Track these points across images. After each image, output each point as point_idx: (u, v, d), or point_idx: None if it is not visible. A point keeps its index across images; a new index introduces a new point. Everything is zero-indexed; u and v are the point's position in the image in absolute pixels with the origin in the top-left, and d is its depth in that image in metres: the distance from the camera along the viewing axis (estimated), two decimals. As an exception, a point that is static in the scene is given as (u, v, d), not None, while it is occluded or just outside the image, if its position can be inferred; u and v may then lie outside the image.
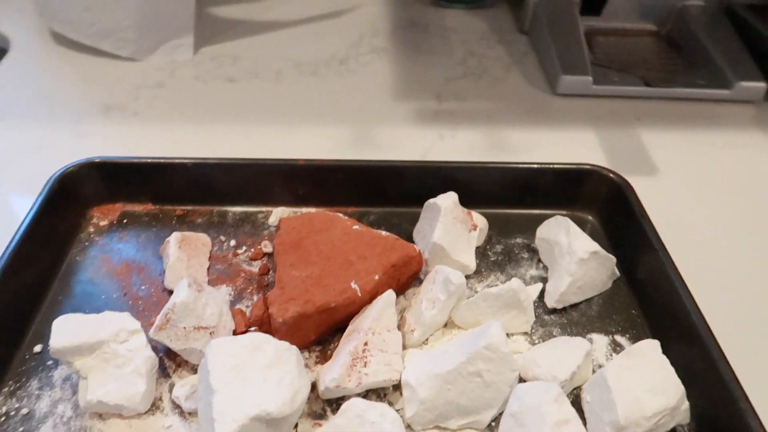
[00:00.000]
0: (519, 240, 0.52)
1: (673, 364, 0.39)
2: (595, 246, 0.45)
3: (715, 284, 0.49)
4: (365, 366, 0.38)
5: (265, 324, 0.42)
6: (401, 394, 0.39)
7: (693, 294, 0.43)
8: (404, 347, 0.42)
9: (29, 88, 0.68)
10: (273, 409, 0.33)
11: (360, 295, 0.41)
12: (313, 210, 0.53)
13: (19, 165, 0.57)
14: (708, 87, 0.70)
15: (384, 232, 0.46)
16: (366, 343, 0.39)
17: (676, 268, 0.45)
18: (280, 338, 0.37)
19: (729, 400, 0.37)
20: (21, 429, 0.37)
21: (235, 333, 0.42)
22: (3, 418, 0.38)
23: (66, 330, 0.38)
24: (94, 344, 0.38)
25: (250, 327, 0.42)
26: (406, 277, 0.45)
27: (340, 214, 0.48)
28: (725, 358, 0.39)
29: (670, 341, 0.42)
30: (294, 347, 0.37)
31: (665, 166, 0.61)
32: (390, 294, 0.41)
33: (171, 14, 0.71)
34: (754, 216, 0.56)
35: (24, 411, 0.38)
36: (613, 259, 0.47)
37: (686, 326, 0.42)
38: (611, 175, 0.52)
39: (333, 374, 0.37)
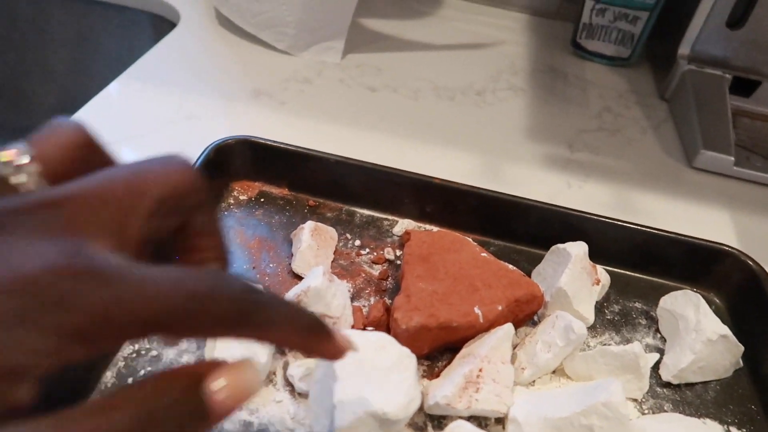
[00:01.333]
0: (638, 305, 0.51)
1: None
2: (725, 330, 0.44)
3: None
4: (477, 392, 0.38)
5: (381, 326, 0.43)
6: (503, 427, 0.39)
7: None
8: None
9: (190, 62, 0.73)
10: (390, 410, 0.34)
11: (482, 321, 0.42)
12: (436, 228, 0.54)
13: (172, 130, 0.61)
14: None
15: (510, 266, 0.46)
16: (481, 370, 0.39)
17: (810, 373, 0.42)
18: (406, 343, 0.38)
19: None
20: (148, 368, 0.40)
21: (352, 328, 0.43)
22: (134, 355, 0.40)
23: None
24: None
25: (366, 327, 0.43)
26: (524, 315, 0.45)
27: (470, 239, 0.49)
28: None
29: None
30: (414, 356, 0.38)
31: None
32: (510, 327, 0.42)
33: (330, 17, 0.75)
34: None
35: (153, 353, 0.41)
36: (741, 347, 0.45)
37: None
38: (749, 261, 0.50)
39: (445, 391, 0.38)
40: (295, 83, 0.72)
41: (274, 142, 0.55)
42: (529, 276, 0.50)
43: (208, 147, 0.53)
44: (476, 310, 0.42)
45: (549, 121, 0.73)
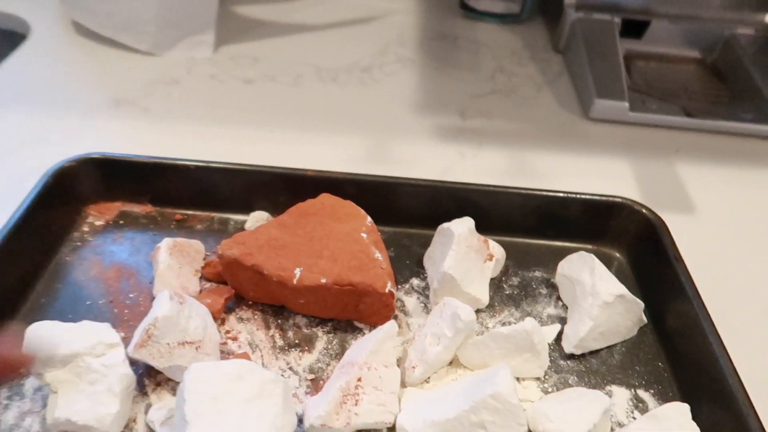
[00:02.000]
0: (538, 274, 0.48)
1: (700, 426, 0.35)
2: (621, 289, 0.41)
3: (754, 340, 0.44)
4: (356, 404, 0.34)
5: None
6: None
7: (728, 350, 0.38)
8: (403, 385, 0.38)
9: (42, 77, 0.66)
10: None
11: (295, 282, 0.40)
12: (319, 224, 0.49)
13: (20, 155, 0.55)
14: (754, 122, 0.65)
15: (380, 256, 0.42)
16: (359, 379, 0.35)
17: (711, 320, 0.40)
18: (224, 273, 0.41)
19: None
20: (-16, 438, 0.34)
21: (213, 311, 0.40)
22: (-33, 426, 0.35)
23: (40, 337, 0.35)
24: (68, 356, 0.35)
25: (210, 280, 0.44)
26: (365, 307, 0.41)
27: (369, 219, 0.45)
28: (763, 429, 0.34)
29: (699, 401, 0.38)
30: (281, 378, 0.33)
31: (703, 204, 0.56)
32: (390, 326, 0.38)
33: (193, 10, 0.69)
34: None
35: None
36: (641, 304, 0.42)
37: (718, 387, 0.37)
38: (644, 211, 0.48)
39: (319, 411, 0.34)
40: (160, 86, 0.66)
41: (127, 156, 0.49)
42: (420, 262, 0.47)
43: (46, 173, 0.47)
44: (297, 271, 0.40)
45: (439, 90, 0.70)
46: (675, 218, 0.52)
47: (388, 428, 0.36)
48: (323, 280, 0.39)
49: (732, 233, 0.54)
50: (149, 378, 0.38)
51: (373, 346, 0.37)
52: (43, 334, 0.35)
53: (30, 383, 0.37)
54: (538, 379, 0.40)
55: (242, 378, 0.32)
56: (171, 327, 0.36)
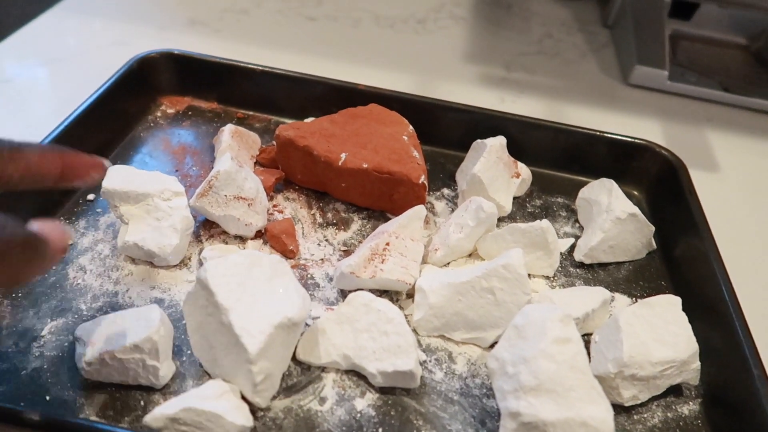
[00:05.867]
0: (560, 200, 0.52)
1: (695, 334, 0.38)
2: (634, 209, 0.45)
3: (756, 276, 0.47)
4: (383, 263, 0.39)
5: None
6: (413, 302, 0.40)
7: (731, 278, 0.41)
8: (425, 263, 0.42)
9: (128, -4, 0.73)
10: (293, 314, 0.32)
11: (340, 164, 0.44)
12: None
13: (103, 53, 0.61)
14: (789, 103, 0.67)
15: (417, 155, 0.46)
16: (388, 244, 0.40)
17: (716, 247, 0.44)
18: (277, 154, 0.47)
19: (745, 374, 0.36)
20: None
21: (264, 186, 0.45)
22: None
23: (119, 176, 0.40)
24: (141, 195, 0.40)
25: (265, 165, 0.50)
26: (399, 196, 0.45)
27: (411, 128, 0.49)
28: (752, 338, 0.37)
29: (696, 314, 0.41)
30: (284, 260, 0.36)
31: (728, 166, 0.59)
32: (420, 208, 0.42)
33: (269, -50, 0.75)
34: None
35: (68, 241, 0.41)
36: (652, 227, 0.46)
37: (712, 300, 0.41)
38: (665, 152, 0.51)
39: (350, 261, 0.38)
40: (231, 14, 0.72)
41: (200, 55, 0.55)
42: (453, 176, 0.51)
43: (131, 60, 0.53)
44: (342, 155, 0.44)
45: (488, 46, 0.74)
46: (698, 173, 0.56)
47: (408, 295, 0.41)
48: (365, 165, 0.44)
49: (751, 193, 0.56)
50: (204, 230, 0.44)
51: (404, 221, 0.41)
52: (123, 173, 0.41)
53: (104, 220, 0.43)
54: (547, 278, 0.44)
55: (255, 264, 0.34)
56: (229, 182, 0.41)
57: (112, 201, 0.40)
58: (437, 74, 0.67)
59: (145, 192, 0.40)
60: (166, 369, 0.34)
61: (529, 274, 0.43)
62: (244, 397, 0.33)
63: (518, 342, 0.34)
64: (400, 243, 0.40)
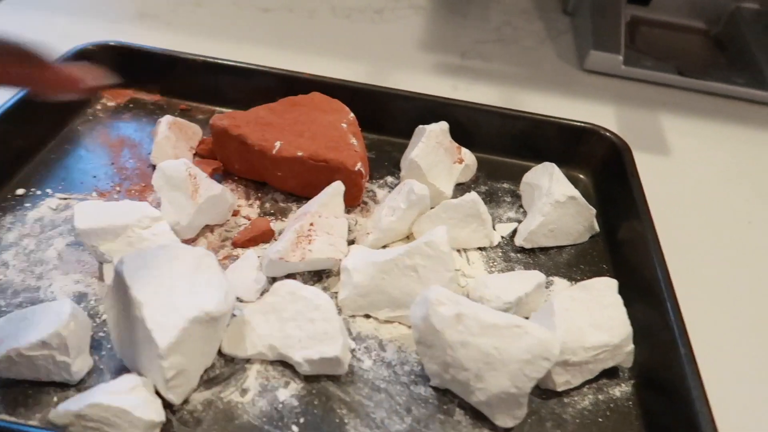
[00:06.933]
0: (506, 185, 0.51)
1: (631, 317, 0.38)
2: (574, 192, 0.44)
3: (692, 258, 0.47)
4: (310, 243, 0.38)
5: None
6: (340, 279, 0.39)
7: (666, 261, 0.41)
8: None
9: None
10: (212, 308, 0.32)
11: (274, 153, 0.44)
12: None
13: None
14: (745, 86, 0.67)
15: (355, 142, 0.45)
16: (312, 224, 0.39)
17: (654, 230, 0.43)
18: (213, 144, 0.46)
19: (673, 354, 0.35)
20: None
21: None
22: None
23: (89, 214, 0.38)
24: (119, 228, 0.38)
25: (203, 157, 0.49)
26: (328, 183, 0.43)
27: (352, 114, 0.49)
28: (682, 319, 0.37)
29: (633, 296, 0.40)
30: (211, 253, 0.35)
31: (678, 149, 0.59)
32: (338, 184, 0.42)
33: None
34: (753, 212, 0.53)
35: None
36: (593, 210, 0.45)
37: (649, 282, 0.40)
38: (610, 135, 0.51)
39: (278, 247, 0.38)
40: (184, 6, 0.71)
41: (140, 46, 0.54)
42: (398, 164, 0.51)
43: (67, 52, 0.52)
44: (277, 143, 0.44)
45: (445, 34, 0.73)
46: (646, 156, 0.56)
47: (335, 273, 0.40)
48: (300, 153, 0.43)
49: (699, 176, 0.56)
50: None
51: (323, 199, 0.41)
52: (91, 210, 0.38)
53: (32, 215, 0.42)
54: (487, 264, 0.43)
55: (176, 257, 0.33)
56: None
57: (89, 241, 0.38)
58: (391, 63, 0.66)
59: (123, 224, 0.38)
60: (80, 364, 0.33)
61: (465, 249, 0.43)
62: (158, 392, 0.32)
63: (429, 352, 0.34)
64: (324, 221, 0.40)
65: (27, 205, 0.43)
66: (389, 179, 0.50)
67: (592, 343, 0.35)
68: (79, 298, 0.38)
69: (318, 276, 0.40)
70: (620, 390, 0.37)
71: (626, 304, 0.39)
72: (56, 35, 0.62)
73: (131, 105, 0.54)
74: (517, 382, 0.32)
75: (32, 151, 0.47)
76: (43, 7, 0.67)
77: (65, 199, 0.44)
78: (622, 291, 0.42)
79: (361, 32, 0.71)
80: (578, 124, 0.52)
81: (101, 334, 0.36)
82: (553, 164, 0.47)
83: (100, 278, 0.39)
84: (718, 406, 0.32)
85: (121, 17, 0.67)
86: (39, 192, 0.44)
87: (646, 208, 0.44)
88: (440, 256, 0.36)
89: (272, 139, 0.44)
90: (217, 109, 0.55)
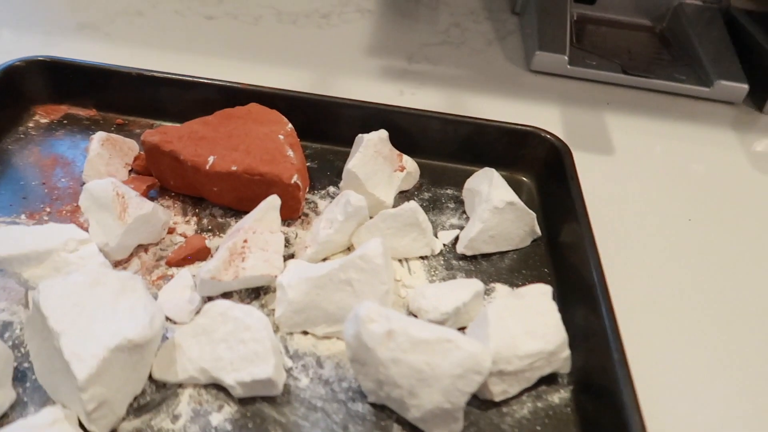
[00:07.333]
0: (449, 191, 0.51)
1: (571, 321, 0.38)
2: (513, 197, 0.44)
3: (627, 260, 0.48)
4: (243, 261, 0.37)
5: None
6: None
7: (603, 261, 0.41)
8: (297, 263, 0.41)
9: None
10: (135, 334, 0.31)
11: (207, 168, 0.43)
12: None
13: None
14: (687, 82, 0.68)
15: (292, 153, 0.45)
16: (246, 240, 0.38)
17: (591, 231, 0.43)
18: (146, 160, 0.45)
19: (607, 358, 0.35)
20: None
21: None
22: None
23: (7, 240, 0.36)
24: (42, 253, 0.36)
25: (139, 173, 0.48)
26: (269, 195, 0.43)
27: (290, 125, 0.48)
28: (616, 323, 0.37)
29: (574, 303, 0.41)
30: (138, 276, 0.35)
31: (622, 148, 0.59)
32: (274, 198, 0.41)
33: (163, -52, 0.72)
34: (694, 210, 0.54)
35: None
36: (532, 214, 0.45)
37: (586, 285, 0.40)
38: (550, 137, 0.51)
39: (209, 266, 0.37)
40: (125, 16, 0.69)
41: (72, 60, 0.52)
42: (341, 174, 0.50)
43: (-4, 67, 0.50)
44: (210, 158, 0.43)
45: (392, 38, 0.73)
46: (590, 156, 0.56)
47: (272, 290, 0.39)
48: (234, 168, 0.43)
49: (642, 175, 0.57)
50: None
51: (257, 214, 0.40)
52: (9, 236, 0.37)
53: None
54: (428, 273, 0.43)
55: (99, 282, 0.32)
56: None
57: (10, 268, 0.36)
58: (337, 69, 0.66)
59: (47, 249, 0.36)
60: (2, 398, 0.32)
61: (407, 259, 0.43)
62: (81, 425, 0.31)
63: (363, 369, 0.33)
64: (259, 237, 0.39)
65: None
66: (331, 189, 0.49)
67: (526, 351, 0.35)
68: (4, 327, 0.36)
69: (255, 293, 0.40)
70: (559, 396, 0.37)
71: (567, 309, 0.40)
72: (-13, 50, 0.60)
73: (65, 121, 0.52)
74: (451, 398, 0.32)
75: (-43, 174, 0.45)
76: (-26, 20, 0.65)
77: (-9, 223, 0.42)
78: (564, 295, 0.43)
79: (308, 38, 0.70)
80: (520, 127, 0.52)
81: (26, 364, 0.35)
82: (493, 169, 0.47)
83: (26, 306, 0.37)
84: (651, 410, 0.33)
85: (59, 29, 0.65)
86: (-37, 216, 0.43)
87: (585, 211, 0.45)
88: (374, 269, 0.36)
89: (205, 154, 0.43)
90: (156, 122, 0.53)
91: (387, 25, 0.75)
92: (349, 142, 0.52)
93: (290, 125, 0.48)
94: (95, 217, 0.39)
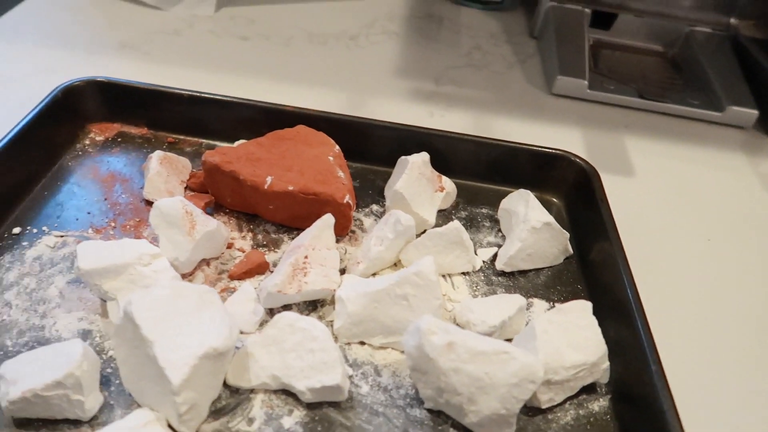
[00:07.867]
0: (484, 210, 0.54)
1: (604, 334, 0.41)
2: (549, 218, 0.47)
3: (659, 277, 0.51)
4: (305, 276, 0.40)
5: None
6: (334, 308, 0.41)
7: (635, 279, 0.44)
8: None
9: (53, 21, 0.72)
10: (219, 344, 0.33)
11: (266, 188, 0.46)
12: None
13: (30, 80, 0.61)
14: (700, 107, 0.72)
15: (342, 174, 0.48)
16: (306, 257, 0.41)
17: (623, 251, 0.46)
18: (205, 179, 0.47)
19: (645, 370, 0.38)
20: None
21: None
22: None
23: (91, 254, 0.39)
24: (120, 267, 0.39)
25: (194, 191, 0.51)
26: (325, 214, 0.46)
27: (337, 147, 0.51)
28: (652, 337, 0.40)
29: (607, 315, 0.44)
30: (213, 290, 0.37)
31: (642, 169, 0.63)
32: (329, 217, 0.44)
33: (199, -29, 0.76)
34: (711, 229, 0.57)
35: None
36: (566, 234, 0.49)
37: (620, 301, 0.43)
38: (579, 161, 0.54)
39: (275, 280, 0.40)
40: (163, 35, 0.72)
41: (126, 81, 0.55)
42: (382, 192, 0.53)
43: (55, 89, 0.53)
44: (268, 178, 0.46)
45: (418, 60, 0.76)
46: (613, 178, 0.59)
47: (329, 302, 0.42)
48: (290, 188, 0.45)
49: (662, 196, 0.60)
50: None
51: (315, 232, 0.43)
52: (92, 250, 0.40)
53: (30, 253, 0.43)
54: (470, 288, 0.46)
55: (180, 296, 0.35)
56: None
57: (91, 281, 0.39)
58: (368, 90, 0.69)
59: (124, 263, 0.39)
60: (92, 401, 0.34)
61: (450, 275, 0.46)
62: (170, 425, 0.34)
63: (423, 378, 0.36)
64: (318, 254, 0.42)
65: (24, 243, 0.44)
66: (374, 207, 0.52)
67: (571, 362, 0.38)
68: (84, 335, 0.39)
69: (313, 305, 0.43)
70: (599, 405, 0.40)
71: (601, 323, 0.42)
72: (38, 69, 0.63)
73: (119, 139, 0.55)
74: (507, 404, 0.34)
75: (25, 189, 0.48)
76: (20, 40, 0.68)
77: (62, 236, 0.45)
78: (597, 310, 0.45)
79: (338, 59, 0.74)
80: (550, 150, 0.55)
81: (108, 370, 0.37)
82: (528, 191, 0.50)
83: (104, 315, 0.40)
84: (688, 416, 0.36)
85: (101, 48, 0.68)
86: (35, 230, 0.45)
87: (616, 233, 0.48)
88: (428, 285, 0.39)
89: (263, 174, 0.46)
90: (204, 141, 0.56)
91: (412, 47, 0.79)
92: (388, 162, 0.55)
93: (337, 147, 0.51)
94: (165, 233, 0.42)
